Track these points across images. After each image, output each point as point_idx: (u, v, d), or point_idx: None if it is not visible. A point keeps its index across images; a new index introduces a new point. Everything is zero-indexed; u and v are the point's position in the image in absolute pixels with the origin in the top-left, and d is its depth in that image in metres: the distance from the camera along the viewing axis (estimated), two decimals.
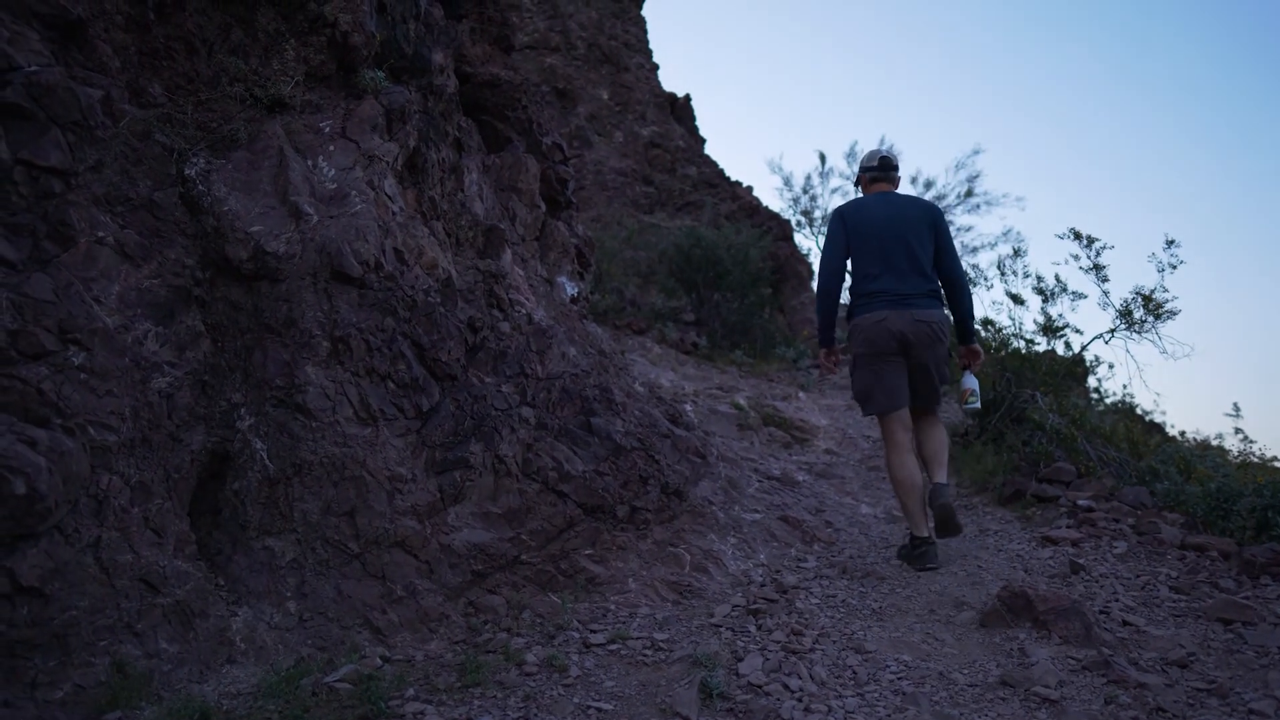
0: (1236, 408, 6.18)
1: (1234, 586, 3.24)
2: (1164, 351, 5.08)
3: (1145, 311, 5.10)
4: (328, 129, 3.25)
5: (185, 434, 2.65)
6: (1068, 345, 5.66)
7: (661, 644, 2.82)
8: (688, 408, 5.40)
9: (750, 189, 13.68)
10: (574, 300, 4.59)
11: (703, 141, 15.11)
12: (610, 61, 14.16)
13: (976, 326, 4.12)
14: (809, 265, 12.26)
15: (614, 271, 10.10)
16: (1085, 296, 5.55)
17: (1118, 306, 5.22)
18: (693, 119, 15.40)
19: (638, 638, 2.85)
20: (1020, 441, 5.04)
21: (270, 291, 2.88)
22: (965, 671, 2.65)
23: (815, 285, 4.19)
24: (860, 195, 4.06)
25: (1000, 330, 5.82)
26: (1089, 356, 6.45)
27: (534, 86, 5.08)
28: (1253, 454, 5.53)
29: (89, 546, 2.30)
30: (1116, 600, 3.16)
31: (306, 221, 2.97)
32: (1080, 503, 4.21)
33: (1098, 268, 5.27)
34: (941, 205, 15.33)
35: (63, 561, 2.22)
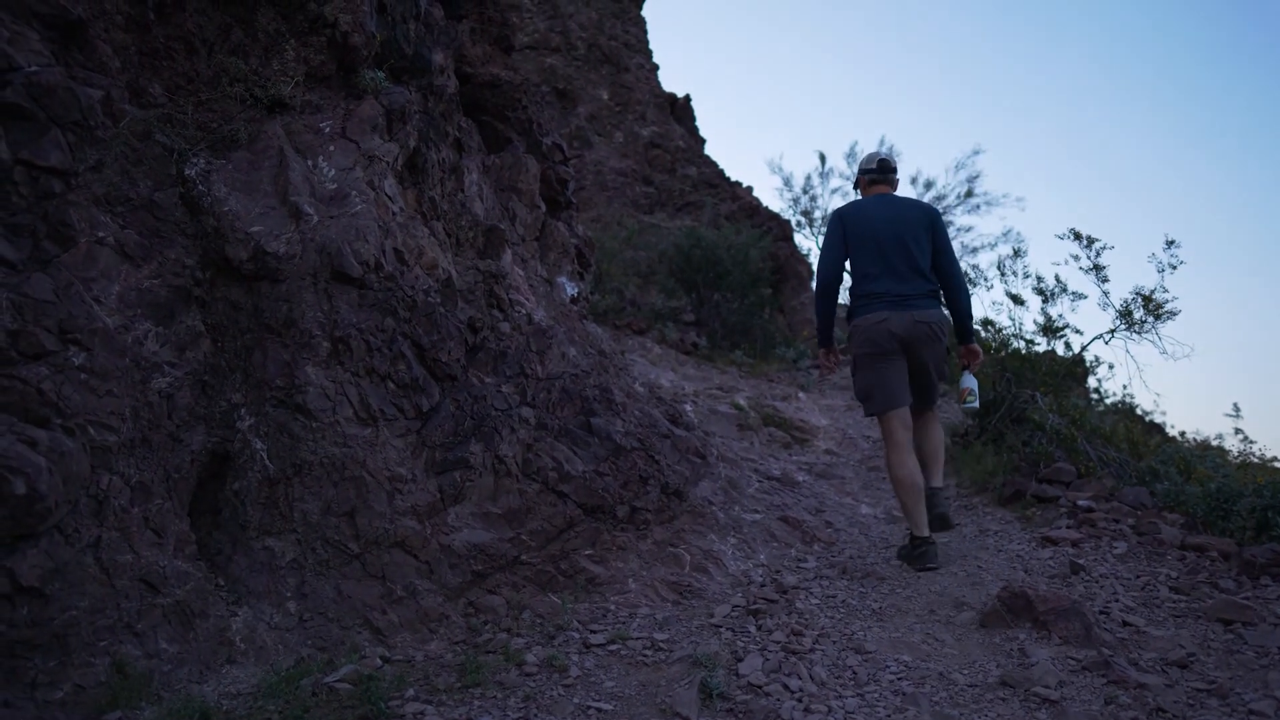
0: (1236, 408, 6.18)
1: (1234, 587, 3.23)
2: (1164, 352, 5.08)
3: (1145, 312, 5.10)
4: (328, 129, 3.25)
5: (185, 434, 2.65)
6: (1068, 345, 5.66)
7: (661, 644, 2.82)
8: (688, 408, 5.40)
9: (750, 189, 13.68)
10: (574, 300, 4.59)
11: (703, 142, 15.11)
12: (610, 62, 14.16)
13: (976, 326, 4.15)
14: (809, 265, 12.26)
15: (614, 272, 10.10)
16: (1085, 297, 5.55)
17: (1118, 307, 5.22)
18: (693, 119, 15.40)
19: (638, 638, 2.85)
20: (1020, 442, 5.04)
21: (270, 292, 2.88)
22: (965, 672, 2.65)
23: (814, 286, 4.23)
24: (859, 197, 4.11)
25: (1000, 330, 5.82)
26: (1089, 357, 6.45)
27: (534, 87, 5.09)
28: (1253, 454, 5.53)
29: (89, 546, 2.30)
30: (1116, 600, 3.16)
31: (307, 222, 2.97)
32: (1080, 503, 4.21)
33: (1098, 268, 5.27)
34: (941, 205, 15.33)
35: (63, 561, 2.22)
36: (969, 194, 15.24)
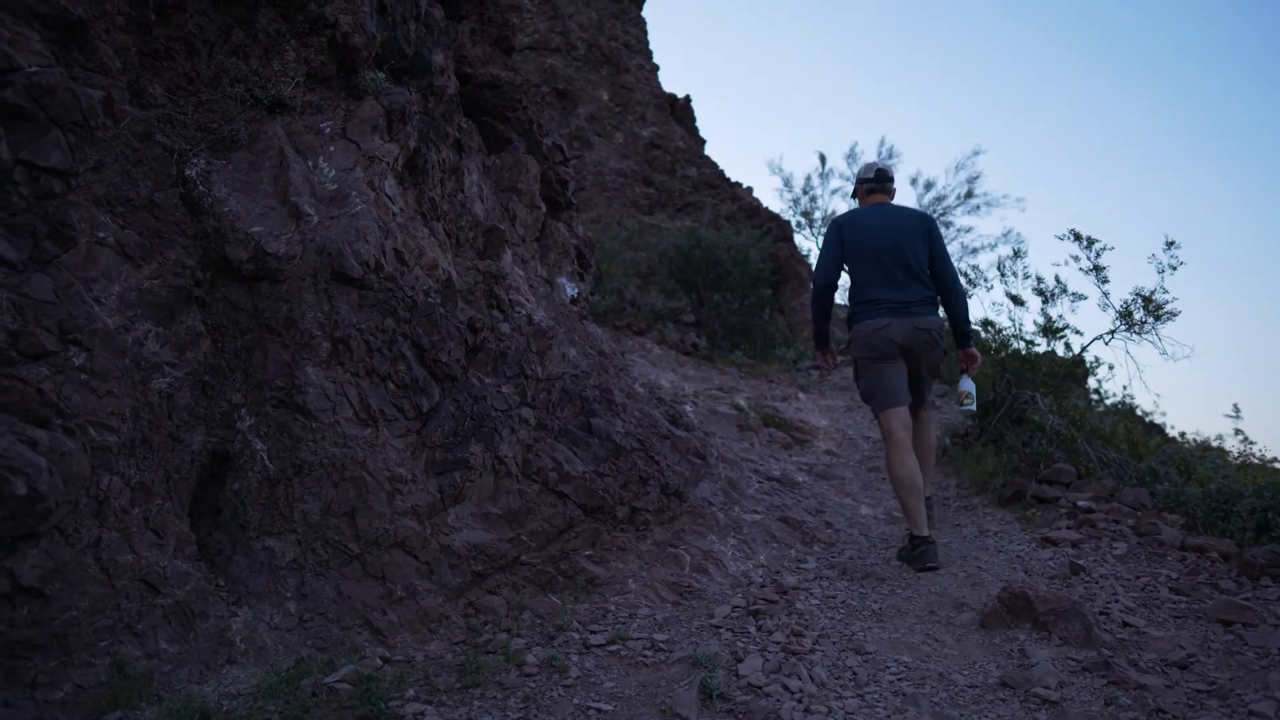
0: (1236, 409, 6.17)
1: (1234, 588, 3.24)
2: (1164, 353, 5.07)
3: (1145, 313, 5.09)
4: (328, 130, 3.25)
5: (185, 434, 2.65)
6: (1068, 346, 5.66)
7: (661, 645, 2.82)
8: (688, 409, 5.40)
9: (750, 190, 13.67)
10: (574, 301, 4.59)
11: (703, 142, 15.10)
12: (610, 62, 14.17)
13: (976, 327, 4.21)
14: (809, 266, 12.25)
15: (614, 272, 10.09)
16: (1085, 298, 5.55)
17: (1118, 308, 5.22)
18: (693, 120, 15.39)
19: (638, 638, 2.85)
20: (1020, 442, 5.04)
21: (270, 292, 2.88)
22: (965, 673, 2.65)
23: (811, 293, 4.35)
24: (857, 206, 4.25)
25: (1000, 331, 5.82)
26: (1089, 357, 6.44)
27: (534, 87, 5.08)
28: (1253, 455, 5.52)
29: (89, 547, 2.31)
30: (1116, 601, 3.16)
31: (307, 222, 2.97)
32: (1080, 504, 4.21)
33: (1098, 269, 5.27)
34: (941, 206, 15.35)
35: (63, 562, 2.22)
36: (969, 194, 15.26)
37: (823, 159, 15.30)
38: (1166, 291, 5.06)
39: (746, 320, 10.07)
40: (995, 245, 17.13)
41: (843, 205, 15.10)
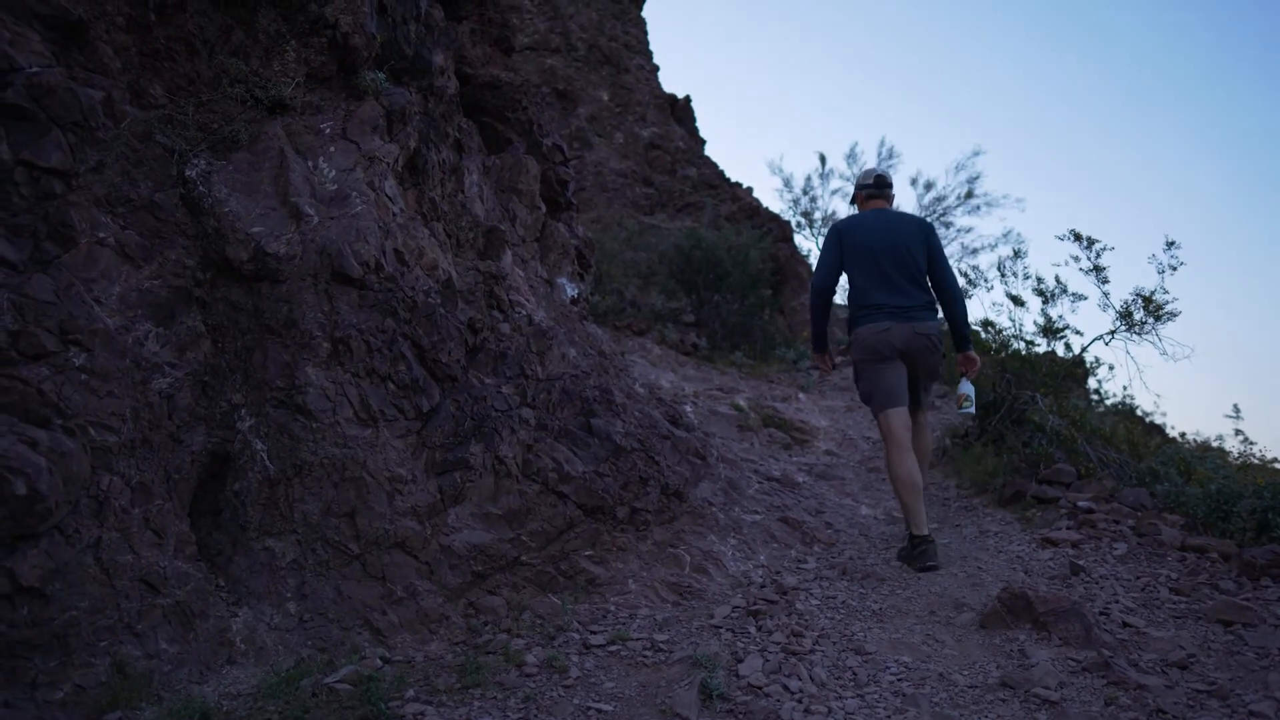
0: (1237, 409, 6.16)
1: (1234, 588, 3.24)
2: (1164, 353, 5.07)
3: (1145, 313, 5.09)
4: (328, 130, 3.25)
5: (185, 435, 2.65)
6: (1068, 347, 5.66)
7: (661, 645, 2.82)
8: (688, 409, 5.40)
9: (750, 190, 13.67)
10: (574, 301, 4.59)
11: (703, 143, 15.10)
12: (610, 63, 14.17)
13: (976, 328, 4.23)
14: (809, 266, 12.25)
15: (614, 273, 10.09)
16: (1085, 298, 5.55)
17: (1118, 308, 5.21)
18: (693, 120, 15.39)
19: (638, 639, 2.85)
20: (1020, 443, 5.04)
21: (271, 292, 2.88)
22: (965, 673, 2.65)
23: (809, 296, 4.41)
24: (856, 212, 4.31)
25: (1000, 332, 5.82)
26: (1089, 358, 6.44)
27: (534, 88, 5.08)
28: (1253, 456, 5.51)
29: (89, 547, 2.31)
30: (1116, 602, 3.16)
31: (307, 222, 2.98)
32: (1080, 504, 4.21)
33: (1098, 269, 5.27)
34: (942, 206, 15.34)
35: (63, 562, 2.22)
36: (969, 195, 15.24)
37: (823, 159, 15.28)
38: (1167, 292, 5.06)
39: (746, 320, 10.07)
40: (995, 246, 17.14)
41: (843, 205, 15.10)
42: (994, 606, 3.02)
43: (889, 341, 3.89)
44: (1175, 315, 5.06)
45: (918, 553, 3.67)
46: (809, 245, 15.58)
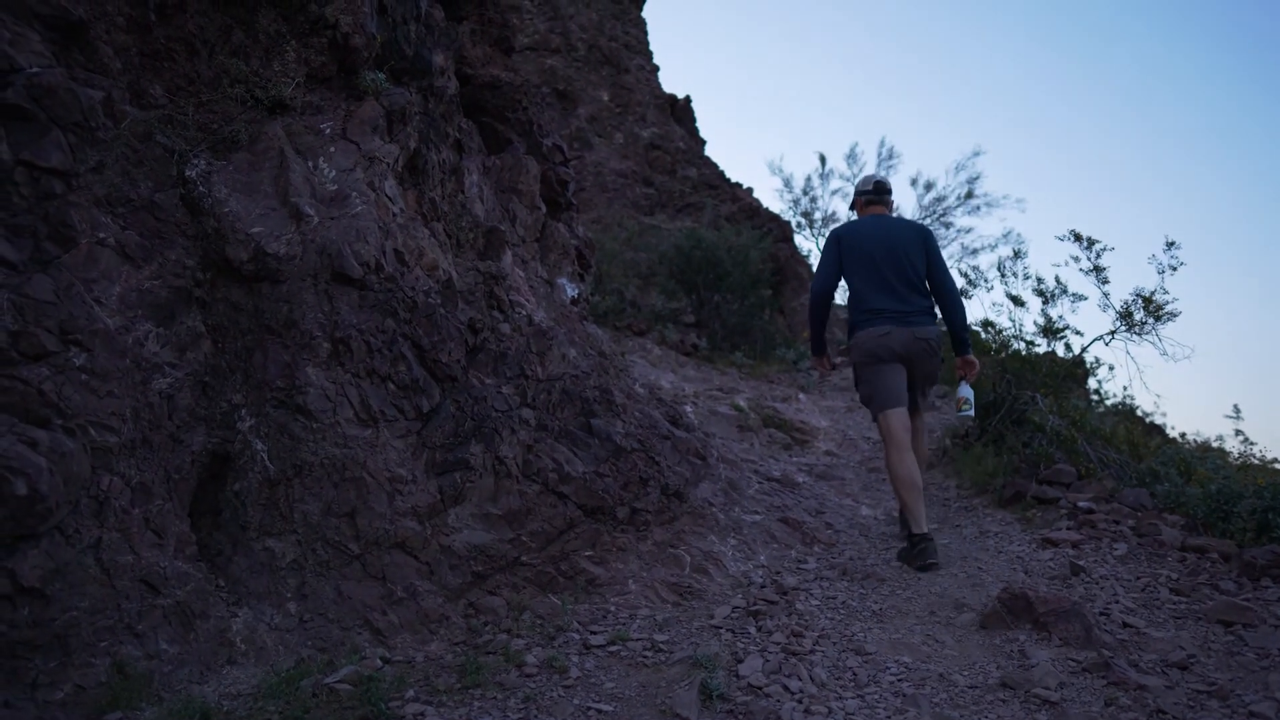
0: (1237, 409, 6.16)
1: (1234, 588, 3.24)
2: (1164, 353, 5.07)
3: (1145, 313, 5.09)
4: (328, 130, 3.25)
5: (186, 435, 2.65)
6: (1068, 347, 5.66)
7: (661, 645, 2.82)
8: (688, 409, 5.40)
9: (750, 191, 13.68)
10: (574, 302, 4.59)
11: (703, 143, 15.10)
12: (610, 63, 14.17)
13: (976, 328, 4.24)
14: (809, 267, 12.26)
15: (614, 273, 10.10)
16: (1085, 298, 5.56)
17: (1118, 308, 5.21)
18: (693, 121, 15.40)
19: (638, 639, 2.85)
20: (1020, 443, 5.04)
21: (271, 293, 2.88)
22: (965, 673, 2.65)
23: (808, 299, 4.45)
24: (855, 218, 4.36)
25: (1000, 332, 5.82)
26: (1089, 358, 6.44)
27: (534, 88, 5.09)
28: (1253, 456, 5.52)
29: (90, 547, 2.31)
30: (1117, 602, 3.15)
31: (307, 223, 2.98)
32: (1080, 505, 4.21)
33: (1098, 269, 5.27)
34: (942, 207, 15.35)
35: (63, 562, 2.22)
36: (969, 195, 15.25)
37: (823, 160, 15.30)
38: (1167, 292, 5.06)
39: (747, 321, 10.07)
40: (995, 246, 17.17)
41: (843, 205, 15.11)
42: (994, 607, 3.02)
43: (889, 346, 3.93)
44: (1175, 315, 5.06)
45: (918, 550, 3.67)
46: (809, 245, 15.59)
